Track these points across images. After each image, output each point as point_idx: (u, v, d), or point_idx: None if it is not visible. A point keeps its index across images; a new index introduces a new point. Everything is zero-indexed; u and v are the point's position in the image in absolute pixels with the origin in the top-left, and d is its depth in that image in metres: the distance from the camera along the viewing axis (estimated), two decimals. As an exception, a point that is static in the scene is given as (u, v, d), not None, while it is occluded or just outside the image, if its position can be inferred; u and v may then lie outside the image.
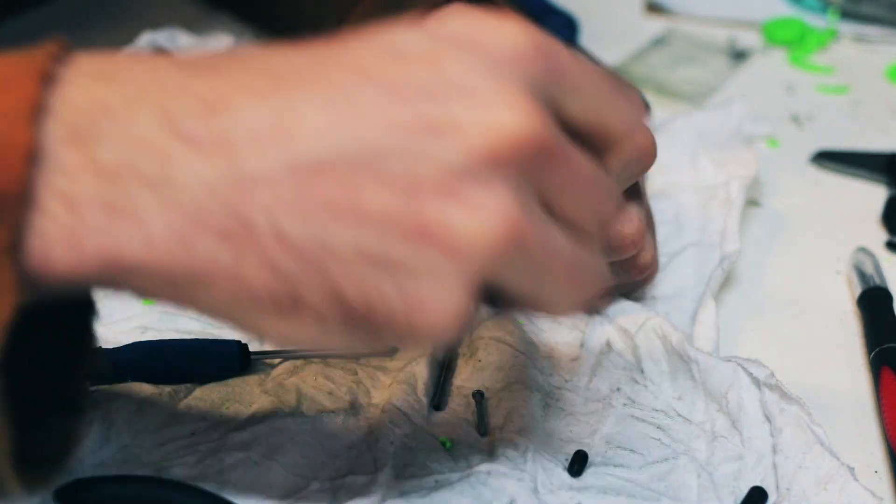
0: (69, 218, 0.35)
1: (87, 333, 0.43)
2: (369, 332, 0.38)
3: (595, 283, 0.42)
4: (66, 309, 0.42)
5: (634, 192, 0.53)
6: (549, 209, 0.40)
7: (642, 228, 0.52)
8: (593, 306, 0.54)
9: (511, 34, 0.39)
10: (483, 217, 0.37)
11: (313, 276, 0.37)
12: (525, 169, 0.38)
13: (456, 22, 0.39)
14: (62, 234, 0.35)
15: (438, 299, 0.37)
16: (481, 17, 0.39)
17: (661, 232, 0.67)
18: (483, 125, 0.37)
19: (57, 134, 0.35)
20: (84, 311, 0.43)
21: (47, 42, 0.37)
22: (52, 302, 0.38)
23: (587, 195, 0.41)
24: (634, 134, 0.46)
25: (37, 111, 0.35)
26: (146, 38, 0.82)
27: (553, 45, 0.40)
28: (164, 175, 0.36)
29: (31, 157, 0.35)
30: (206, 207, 0.36)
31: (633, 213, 0.52)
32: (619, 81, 0.41)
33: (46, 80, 0.36)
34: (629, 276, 0.57)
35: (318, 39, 0.39)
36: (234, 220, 0.36)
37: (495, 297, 0.41)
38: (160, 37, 0.83)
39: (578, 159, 0.40)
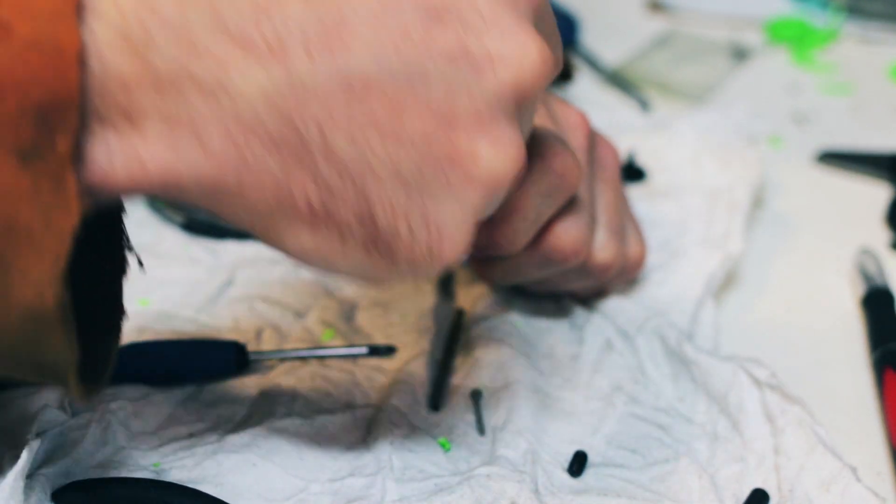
0: (130, 130, 0.35)
1: (123, 246, 0.43)
2: (387, 257, 0.40)
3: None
4: (103, 219, 0.41)
5: (576, 205, 0.54)
6: None
7: (579, 238, 0.53)
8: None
9: None
10: (506, 152, 0.39)
11: (351, 192, 0.38)
12: (533, 102, 0.41)
13: None
14: (124, 147, 0.35)
15: (455, 228, 0.40)
16: None
17: (665, 233, 0.67)
18: (514, 60, 0.39)
19: (106, 38, 0.34)
20: (118, 220, 0.43)
21: None
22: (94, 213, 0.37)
23: (530, 123, 0.44)
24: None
25: (81, 9, 0.34)
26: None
27: None
28: (221, 82, 0.35)
29: (82, 60, 0.34)
30: (262, 116, 0.36)
31: (568, 228, 0.53)
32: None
33: None
34: (594, 280, 0.58)
35: None
36: (288, 129, 0.36)
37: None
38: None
39: None
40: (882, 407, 0.55)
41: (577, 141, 0.56)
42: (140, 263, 0.46)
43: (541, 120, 0.53)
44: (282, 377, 0.55)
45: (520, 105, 0.40)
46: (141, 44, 0.35)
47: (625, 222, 0.59)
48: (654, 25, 0.98)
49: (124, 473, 0.49)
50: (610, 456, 0.52)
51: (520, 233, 0.51)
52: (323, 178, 0.37)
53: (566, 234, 0.53)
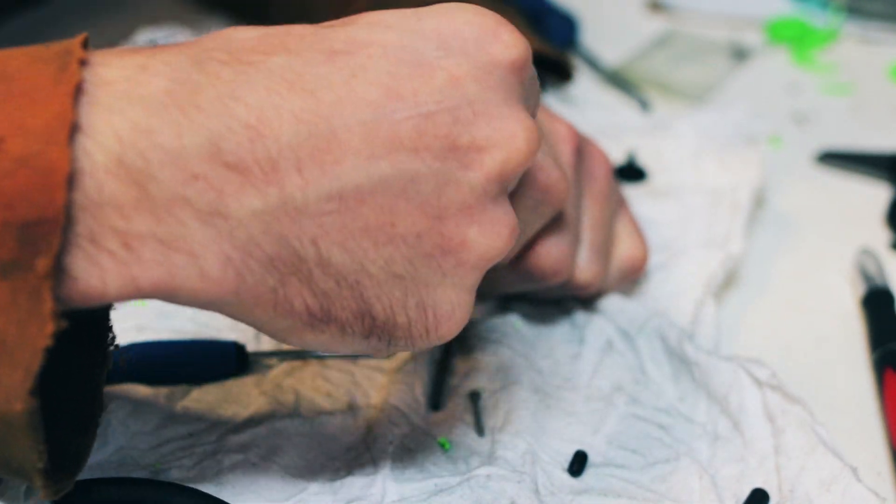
0: (125, 253, 0.35)
1: (107, 343, 0.44)
2: (385, 341, 0.42)
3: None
4: (86, 321, 0.42)
5: (562, 223, 0.54)
6: None
7: (561, 259, 0.53)
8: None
9: (513, 43, 0.41)
10: (496, 233, 0.41)
11: (347, 296, 0.39)
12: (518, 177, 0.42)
13: (466, 25, 0.41)
14: (118, 269, 0.35)
15: (453, 309, 0.41)
16: (486, 19, 0.41)
17: (666, 233, 0.67)
18: (500, 147, 0.40)
19: (103, 163, 0.34)
20: (103, 321, 0.43)
21: (72, 41, 0.36)
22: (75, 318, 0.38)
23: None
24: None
25: (73, 130, 0.34)
26: (144, 37, 0.82)
27: (528, 50, 0.42)
28: (217, 209, 0.36)
29: (71, 183, 0.34)
30: (257, 238, 0.37)
31: (551, 248, 0.54)
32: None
33: (79, 92, 0.35)
34: (572, 293, 0.58)
35: (325, 29, 0.40)
36: (283, 247, 0.37)
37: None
38: (158, 35, 0.83)
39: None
40: (882, 407, 0.55)
41: (564, 156, 0.55)
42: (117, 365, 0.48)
43: None
44: (281, 377, 0.55)
45: (507, 184, 0.41)
46: (138, 171, 0.35)
47: (609, 237, 0.59)
48: (654, 25, 0.98)
49: (124, 473, 0.49)
50: (610, 456, 0.52)
51: None
52: (319, 287, 0.39)
53: (548, 254, 0.53)
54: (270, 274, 0.37)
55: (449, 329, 0.42)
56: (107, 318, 0.44)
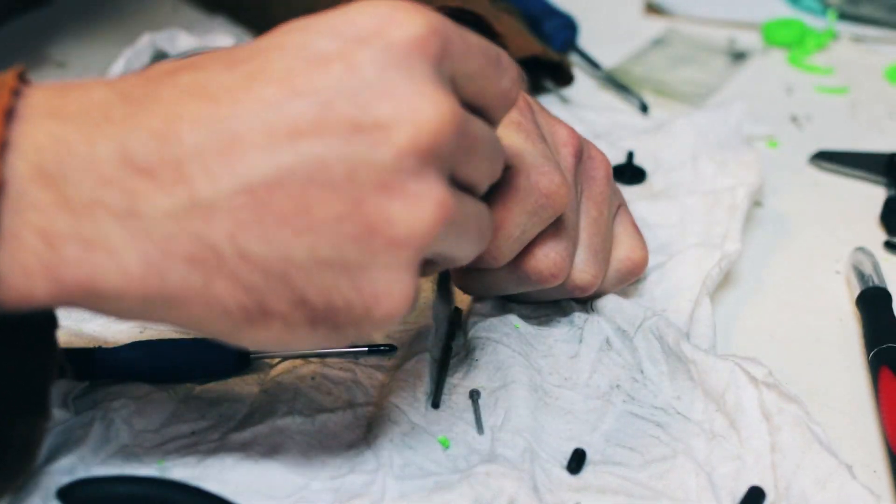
0: (47, 252, 0.37)
1: (50, 341, 0.44)
2: (333, 328, 0.42)
3: (490, 229, 0.47)
4: (29, 319, 0.43)
5: (560, 226, 0.55)
6: (457, 178, 0.43)
7: (559, 262, 0.54)
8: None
9: (410, 22, 0.41)
10: (421, 207, 0.40)
11: (278, 287, 0.40)
12: (445, 152, 0.41)
13: (360, 16, 0.41)
14: (42, 267, 0.37)
15: (391, 288, 0.41)
16: (381, 6, 0.41)
17: (664, 234, 0.67)
18: (405, 122, 0.40)
19: (22, 171, 0.37)
20: (46, 321, 0.44)
21: (7, 73, 0.40)
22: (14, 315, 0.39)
23: (485, 158, 0.45)
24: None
25: (5, 147, 0.37)
26: (146, 40, 0.82)
27: (445, 25, 0.42)
28: (131, 209, 0.38)
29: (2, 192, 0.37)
30: (173, 236, 0.38)
31: (548, 250, 0.54)
32: (498, 50, 0.45)
33: (9, 115, 0.38)
34: (570, 295, 0.58)
35: (233, 48, 0.42)
36: (200, 245, 0.38)
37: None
38: (160, 38, 0.83)
39: (479, 131, 0.44)
40: (878, 405, 0.55)
41: (565, 160, 0.56)
42: (63, 374, 0.50)
43: (533, 137, 0.54)
44: (283, 375, 0.55)
45: (429, 159, 0.40)
46: (55, 176, 0.37)
47: (608, 239, 0.59)
48: (652, 27, 0.98)
49: (128, 471, 0.49)
50: (608, 454, 0.52)
51: (503, 249, 0.52)
52: (247, 282, 0.39)
53: (546, 256, 0.54)
54: (194, 272, 0.39)
55: (390, 308, 0.41)
56: (53, 327, 0.44)
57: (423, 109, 0.40)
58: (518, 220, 0.52)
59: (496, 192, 0.51)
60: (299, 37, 0.41)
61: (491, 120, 0.46)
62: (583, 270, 0.57)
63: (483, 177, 0.45)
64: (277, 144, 0.39)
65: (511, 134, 0.53)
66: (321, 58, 0.40)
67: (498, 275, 0.55)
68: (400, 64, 0.40)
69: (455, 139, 0.41)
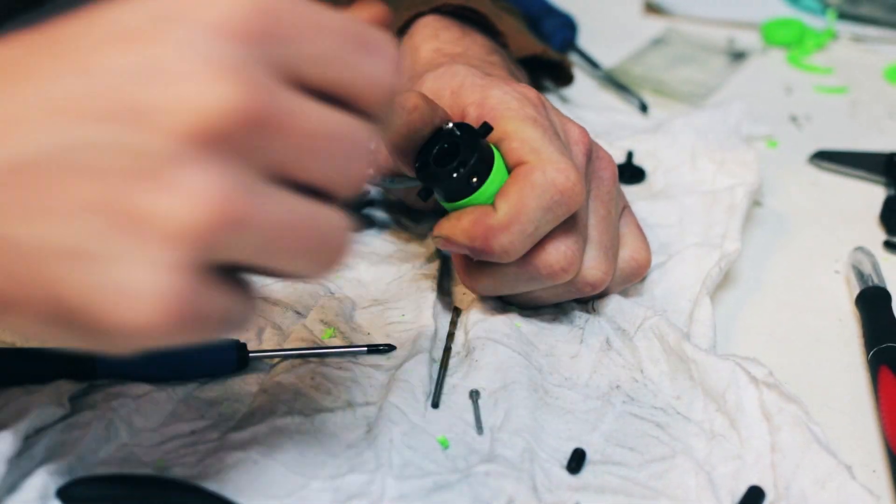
0: None
1: None
2: (87, 331, 0.38)
3: (339, 243, 0.41)
4: None
5: (571, 222, 0.54)
6: (284, 176, 0.39)
7: (570, 257, 0.54)
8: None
9: (210, 3, 0.38)
10: (193, 201, 0.36)
11: (33, 274, 0.37)
12: (239, 143, 0.37)
13: None
14: None
15: (141, 288, 0.36)
16: None
17: (664, 233, 0.67)
18: (183, 107, 0.36)
19: None
20: None
21: None
22: None
23: (326, 154, 0.39)
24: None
25: None
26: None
27: (280, 4, 0.38)
28: None
29: None
30: None
31: (559, 245, 0.54)
32: (365, 32, 0.40)
33: None
34: (578, 294, 0.58)
35: (51, 21, 0.40)
36: None
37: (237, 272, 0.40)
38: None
39: (310, 120, 0.39)
40: (877, 405, 0.55)
41: (576, 158, 0.56)
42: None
43: (549, 133, 0.54)
44: (282, 375, 0.55)
45: (211, 148, 0.36)
46: None
47: (616, 238, 0.59)
48: (652, 27, 0.98)
49: (127, 470, 0.49)
50: (608, 454, 0.52)
51: (516, 243, 0.52)
52: (6, 268, 0.37)
53: (557, 251, 0.54)
54: None
55: (137, 311, 0.36)
56: None
57: (206, 94, 0.36)
58: (533, 216, 0.51)
59: (511, 187, 0.51)
60: (114, 13, 0.38)
61: (362, 111, 0.40)
62: (593, 267, 0.56)
63: (325, 177, 0.40)
64: (51, 124, 0.37)
65: (527, 129, 0.53)
66: (126, 36, 0.38)
67: (507, 270, 0.55)
68: (200, 45, 0.37)
69: (254, 126, 0.37)
